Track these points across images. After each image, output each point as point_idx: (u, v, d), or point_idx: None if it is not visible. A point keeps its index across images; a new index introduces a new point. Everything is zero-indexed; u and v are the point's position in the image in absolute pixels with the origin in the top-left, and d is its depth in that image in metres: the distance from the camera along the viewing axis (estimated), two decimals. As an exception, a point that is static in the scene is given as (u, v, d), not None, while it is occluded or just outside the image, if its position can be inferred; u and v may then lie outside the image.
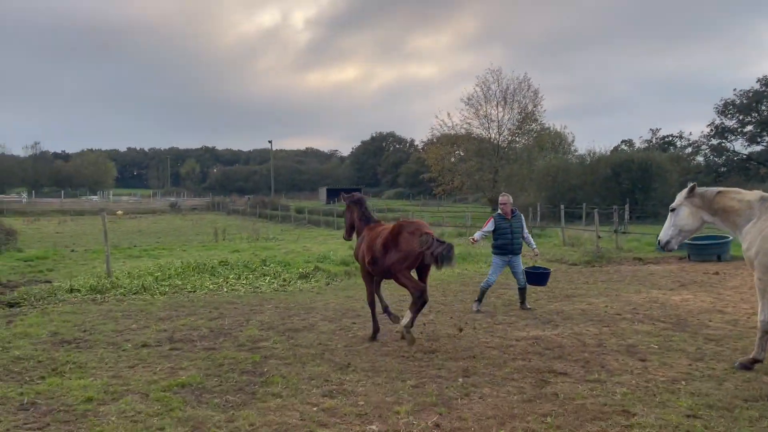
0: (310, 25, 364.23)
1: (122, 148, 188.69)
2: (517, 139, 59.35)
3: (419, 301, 7.36)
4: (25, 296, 11.50)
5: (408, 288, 7.51)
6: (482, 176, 57.84)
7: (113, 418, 5.00)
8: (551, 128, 60.18)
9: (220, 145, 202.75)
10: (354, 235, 8.87)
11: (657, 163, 40.84)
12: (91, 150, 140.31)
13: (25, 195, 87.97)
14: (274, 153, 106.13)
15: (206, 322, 9.13)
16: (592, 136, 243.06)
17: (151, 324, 8.99)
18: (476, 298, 10.24)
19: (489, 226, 10.20)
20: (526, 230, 10.32)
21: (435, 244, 7.18)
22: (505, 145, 58.91)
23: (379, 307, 8.33)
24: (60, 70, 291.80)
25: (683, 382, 5.89)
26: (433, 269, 7.63)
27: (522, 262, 10.34)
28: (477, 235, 10.24)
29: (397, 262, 7.44)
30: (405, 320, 7.46)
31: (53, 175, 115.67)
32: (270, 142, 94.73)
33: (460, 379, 6.06)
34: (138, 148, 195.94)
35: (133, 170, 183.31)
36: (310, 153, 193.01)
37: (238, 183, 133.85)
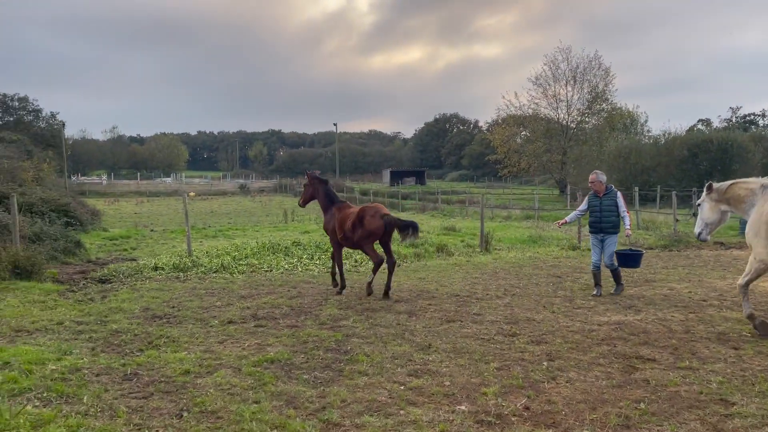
0: (374, 8, 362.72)
1: (193, 132, 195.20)
2: (586, 119, 57.63)
3: (378, 266, 9.76)
4: (115, 273, 12.14)
5: (371, 257, 9.86)
6: (550, 158, 56.61)
7: (211, 390, 5.23)
8: (623, 108, 58.05)
9: (286, 128, 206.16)
10: (315, 208, 11.36)
11: (738, 144, 38.69)
12: (164, 133, 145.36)
13: (105, 177, 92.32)
14: (338, 136, 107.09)
15: (286, 300, 9.39)
16: (666, 116, 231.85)
17: (234, 301, 9.32)
18: (594, 283, 10.05)
19: (583, 205, 10.32)
20: (622, 208, 9.89)
21: (401, 222, 9.70)
22: (574, 126, 57.34)
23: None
24: (135, 57, 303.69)
25: (782, 372, 5.64)
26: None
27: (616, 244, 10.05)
28: (569, 216, 10.50)
29: (363, 237, 9.70)
30: (368, 278, 10.01)
31: (130, 158, 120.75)
32: (335, 125, 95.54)
33: (545, 363, 6.01)
34: (208, 132, 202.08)
35: (204, 153, 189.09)
36: (373, 135, 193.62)
37: (303, 165, 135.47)
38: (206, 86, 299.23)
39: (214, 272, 12.39)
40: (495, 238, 17.79)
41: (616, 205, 9.86)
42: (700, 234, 7.98)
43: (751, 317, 7.21)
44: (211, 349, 6.63)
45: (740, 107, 66.38)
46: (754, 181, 7.48)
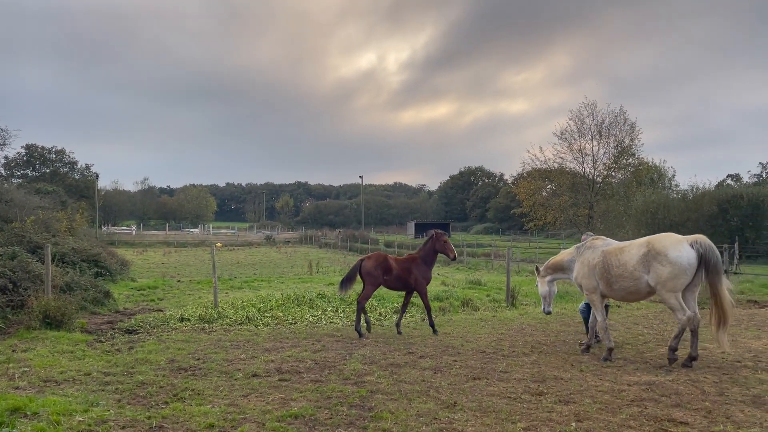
0: (403, 68, 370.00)
1: (221, 183, 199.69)
2: (613, 173, 57.51)
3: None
4: (142, 324, 12.25)
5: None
6: (576, 211, 56.38)
7: (235, 446, 5.21)
8: (650, 162, 57.87)
9: (313, 180, 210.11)
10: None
11: (770, 199, 38.14)
12: (193, 185, 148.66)
13: (134, 227, 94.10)
14: (364, 188, 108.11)
15: (310, 354, 9.37)
16: (694, 171, 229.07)
17: (258, 354, 9.33)
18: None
19: None
20: None
21: (354, 275, 11.80)
22: (601, 180, 57.21)
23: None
24: (169, 112, 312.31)
25: (822, 439, 5.43)
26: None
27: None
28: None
29: None
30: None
31: (159, 209, 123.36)
32: (360, 177, 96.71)
33: (573, 424, 5.87)
34: (236, 183, 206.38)
35: (231, 204, 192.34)
36: (398, 187, 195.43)
37: (329, 217, 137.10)
38: (237, 139, 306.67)
39: (239, 324, 12.44)
40: (521, 292, 17.60)
41: None
42: (544, 308, 10.10)
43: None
44: (236, 402, 6.63)
45: (771, 163, 65.41)
46: (570, 249, 9.80)
